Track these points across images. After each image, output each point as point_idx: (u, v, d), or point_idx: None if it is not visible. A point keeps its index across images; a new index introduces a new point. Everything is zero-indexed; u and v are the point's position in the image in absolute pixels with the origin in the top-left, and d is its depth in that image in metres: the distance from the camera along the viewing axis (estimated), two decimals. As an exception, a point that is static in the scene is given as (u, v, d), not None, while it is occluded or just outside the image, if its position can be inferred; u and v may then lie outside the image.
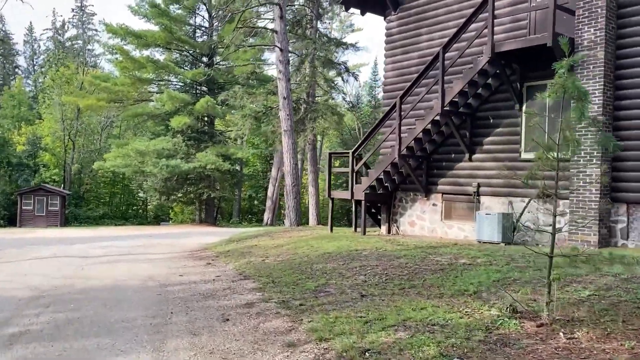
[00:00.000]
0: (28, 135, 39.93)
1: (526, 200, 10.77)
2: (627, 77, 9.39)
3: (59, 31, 59.06)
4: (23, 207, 32.75)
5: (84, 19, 56.80)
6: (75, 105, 37.13)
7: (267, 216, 32.80)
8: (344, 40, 22.01)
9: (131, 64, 30.41)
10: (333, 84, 23.06)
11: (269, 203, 32.89)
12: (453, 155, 12.30)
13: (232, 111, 31.85)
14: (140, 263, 11.50)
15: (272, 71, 32.77)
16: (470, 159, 11.90)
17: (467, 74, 10.87)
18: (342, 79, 23.11)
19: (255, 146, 39.34)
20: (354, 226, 14.58)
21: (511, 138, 11.18)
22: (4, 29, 61.12)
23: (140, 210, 43.60)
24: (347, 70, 22.39)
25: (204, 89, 33.11)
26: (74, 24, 58.38)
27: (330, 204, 14.32)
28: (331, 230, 14.33)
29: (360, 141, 13.68)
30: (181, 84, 33.57)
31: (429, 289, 6.42)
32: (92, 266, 11.03)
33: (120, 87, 30.88)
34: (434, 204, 12.71)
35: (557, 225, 10.36)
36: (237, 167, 36.04)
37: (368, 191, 13.17)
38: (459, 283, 6.44)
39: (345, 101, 24.65)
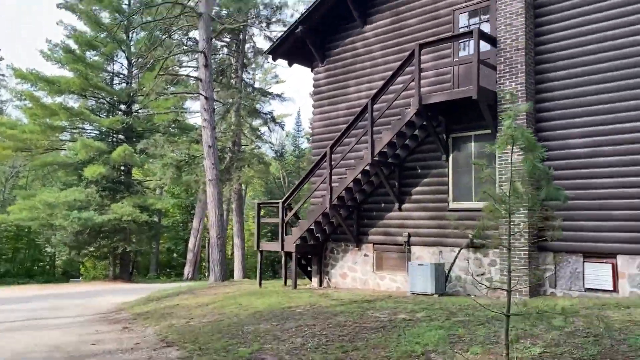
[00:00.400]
0: None
1: (456, 249, 10.80)
2: (547, 130, 9.80)
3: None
4: None
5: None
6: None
7: (187, 270, 31.28)
8: (270, 90, 22.09)
9: (42, 111, 28.60)
10: (259, 133, 22.78)
11: (190, 256, 31.46)
12: (383, 204, 12.23)
13: (151, 160, 30.66)
14: (46, 330, 10.25)
15: (195, 119, 32.16)
16: (400, 209, 11.87)
17: (396, 125, 10.96)
18: (269, 128, 22.95)
19: (175, 196, 37.94)
20: (283, 279, 14.04)
21: (439, 188, 11.29)
22: None
23: (48, 267, 40.26)
24: (273, 119, 22.24)
25: (122, 137, 31.69)
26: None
27: (258, 257, 13.72)
28: (260, 285, 13.68)
29: (290, 191, 13.35)
30: (97, 132, 31.96)
31: (373, 350, 6.02)
32: (-13, 336, 9.66)
33: (28, 135, 28.82)
34: (365, 255, 12.49)
35: (487, 275, 10.45)
36: (156, 219, 34.42)
37: (299, 242, 12.76)
38: (403, 343, 6.10)
39: (272, 150, 24.39)
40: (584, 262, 9.22)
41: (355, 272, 12.63)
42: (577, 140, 9.32)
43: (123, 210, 27.30)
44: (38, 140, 29.15)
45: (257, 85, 24.13)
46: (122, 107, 31.84)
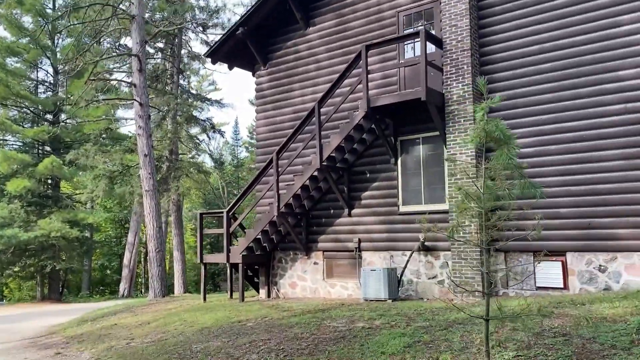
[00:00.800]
0: None
1: (407, 253, 10.65)
2: (494, 130, 9.84)
3: None
4: None
5: None
6: None
7: (123, 287, 29.71)
8: (209, 96, 21.29)
9: (-44, 121, 26.43)
10: (198, 141, 21.97)
11: (125, 272, 29.91)
12: (332, 211, 11.94)
13: (81, 173, 29.00)
14: (-36, 361, 9.17)
15: (128, 128, 30.71)
16: (349, 214, 11.62)
17: (344, 128, 10.72)
18: (208, 136, 22.17)
19: (108, 210, 36.12)
20: (229, 292, 13.46)
21: (389, 192, 11.14)
22: None
23: (-34, 290, 37.20)
24: (212, 127, 21.50)
25: (48, 149, 29.81)
26: None
27: (202, 270, 13.04)
28: (204, 299, 13.00)
29: (235, 200, 12.80)
30: (20, 143, 29.92)
31: (337, 363, 5.66)
32: None
33: (-59, 147, 26.56)
34: (315, 263, 12.14)
35: (439, 278, 10.36)
36: (87, 234, 32.59)
37: (245, 253, 12.23)
38: (368, 353, 5.78)
39: (212, 159, 23.55)
40: (534, 260, 9.29)
41: (305, 281, 12.25)
42: (524, 140, 9.39)
43: (51, 226, 25.60)
44: (-48, 153, 26.86)
45: (193, 92, 23.20)
46: (48, 116, 29.99)
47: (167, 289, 15.75)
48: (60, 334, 11.91)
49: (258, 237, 12.18)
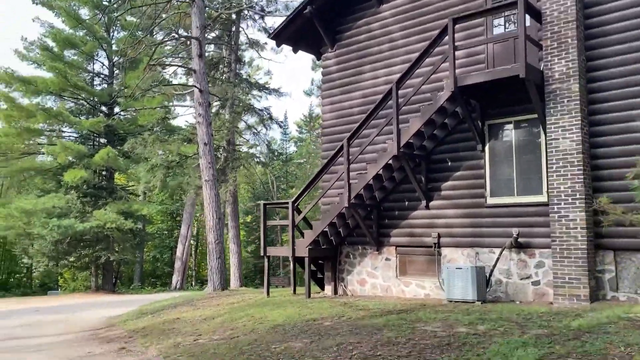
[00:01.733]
0: None
1: (495, 250, 9.60)
2: (602, 113, 8.68)
3: None
4: None
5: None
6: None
7: (175, 279, 29.63)
8: (267, 85, 20.56)
9: (17, 113, 26.79)
10: (256, 131, 21.39)
11: (178, 264, 29.81)
12: (407, 202, 10.99)
13: (133, 166, 29.00)
14: (26, 353, 8.75)
15: (183, 119, 30.49)
16: (427, 207, 10.64)
17: (426, 110, 9.75)
18: (265, 126, 21.56)
19: (160, 202, 36.22)
20: (292, 287, 12.73)
21: (474, 182, 10.10)
22: None
23: (25, 279, 38.15)
24: (270, 116, 20.88)
25: (103, 140, 29.99)
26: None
27: (265, 264, 12.34)
28: (267, 293, 12.31)
29: (301, 190, 12.04)
30: (76, 134, 30.21)
31: (456, 377, 4.76)
32: (-44, 363, 8.15)
33: (3, 139, 26.99)
34: (386, 259, 11.23)
35: (534, 278, 9.27)
36: (140, 226, 32.70)
37: (311, 247, 11.45)
38: (492, 366, 4.85)
39: (270, 150, 22.87)
40: (652, 261, 8.10)
41: (375, 278, 11.36)
42: (641, 123, 8.19)
43: (106, 217, 25.65)
44: (14, 144, 27.34)
45: (251, 80, 22.48)
46: (104, 108, 30.19)
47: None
48: (120, 326, 11.45)
49: (325, 230, 11.38)
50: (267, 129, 21.26)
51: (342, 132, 12.06)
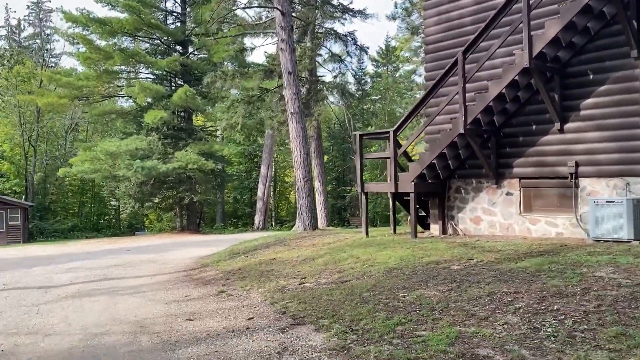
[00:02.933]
0: (-18, 143, 35.71)
1: (652, 180, 7.85)
2: None
3: (14, 30, 54.43)
4: (-22, 223, 28.75)
5: (41, 16, 52.27)
6: (34, 106, 33.26)
7: (258, 219, 29.49)
8: (351, 7, 18.72)
9: (96, 55, 26.72)
10: (340, 59, 19.77)
11: (259, 204, 29.57)
12: (534, 126, 9.31)
13: (210, 106, 28.42)
14: (122, 295, 8.21)
15: (259, 54, 29.27)
16: (561, 130, 8.93)
17: (568, 10, 7.88)
18: (348, 54, 19.88)
19: (237, 144, 35.94)
20: (392, 227, 11.57)
21: (625, 98, 8.24)
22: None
23: (113, 220, 39.80)
24: (355, 42, 19.18)
25: (179, 81, 29.58)
26: (30, 21, 53.81)
27: (363, 200, 11.17)
28: (367, 233, 11.21)
29: (403, 118, 10.60)
30: (153, 76, 29.96)
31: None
32: (52, 305, 7.69)
33: (84, 82, 27.14)
34: (507, 193, 9.71)
35: None
36: (220, 167, 32.62)
37: (416, 181, 10.11)
38: None
39: (356, 79, 21.19)
40: None
41: (492, 216, 9.92)
42: None
43: (187, 158, 25.48)
44: (94, 86, 27.46)
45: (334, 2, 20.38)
46: (178, 47, 29.58)
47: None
48: (213, 267, 10.82)
49: (432, 162, 9.98)
50: (351, 57, 19.61)
51: (450, 48, 10.40)
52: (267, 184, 29.21)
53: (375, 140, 19.54)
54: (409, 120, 10.60)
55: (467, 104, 9.11)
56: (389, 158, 10.70)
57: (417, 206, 11.21)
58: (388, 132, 10.63)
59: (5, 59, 38.64)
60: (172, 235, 27.67)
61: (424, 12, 11.15)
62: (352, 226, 31.21)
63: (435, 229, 10.84)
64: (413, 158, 12.75)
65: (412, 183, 10.05)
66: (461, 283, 5.70)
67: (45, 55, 45.62)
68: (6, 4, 69.94)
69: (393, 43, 43.64)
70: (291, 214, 41.81)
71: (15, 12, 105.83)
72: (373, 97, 43.89)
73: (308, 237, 12.59)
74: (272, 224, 36.18)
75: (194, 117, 31.38)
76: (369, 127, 42.54)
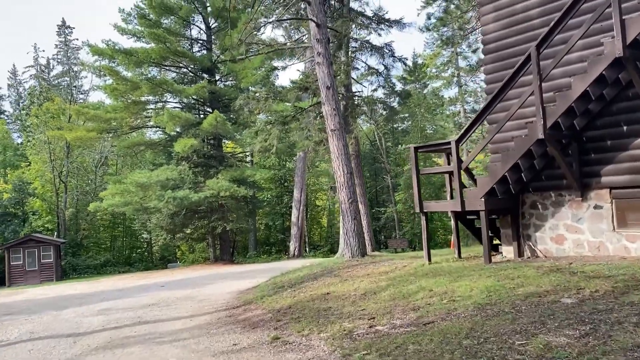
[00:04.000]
0: (14, 181, 35.60)
1: None
2: None
3: (43, 69, 55.35)
4: (11, 263, 28.29)
5: (69, 54, 53.03)
6: (63, 142, 33.12)
7: (293, 246, 28.33)
8: (386, 17, 17.69)
9: (123, 86, 26.32)
10: (378, 73, 18.67)
11: (294, 230, 28.45)
12: (625, 127, 7.98)
13: (238, 133, 27.66)
14: (159, 344, 7.10)
15: (288, 77, 28.50)
16: (661, 130, 7.59)
17: (671, -15, 6.64)
18: (385, 67, 18.79)
19: (268, 169, 35.04)
20: (456, 251, 10.28)
21: None
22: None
23: (146, 253, 39.14)
24: (392, 53, 18.09)
25: (208, 109, 28.98)
26: (59, 60, 54.67)
27: (423, 221, 9.89)
28: (429, 259, 9.92)
29: (466, 127, 9.39)
30: (181, 105, 29.43)
31: None
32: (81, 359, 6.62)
33: (112, 115, 26.72)
34: (595, 206, 8.35)
35: None
36: (251, 193, 31.69)
37: (486, 197, 8.84)
38: None
39: (396, 92, 20.08)
40: None
41: (578, 233, 8.55)
42: None
43: (219, 186, 24.64)
44: (122, 118, 27.01)
45: (369, 13, 19.30)
46: (205, 75, 29.04)
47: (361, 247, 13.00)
48: (258, 304, 9.66)
49: (504, 175, 8.71)
50: (387, 69, 18.49)
51: (514, 46, 9.23)
52: (300, 208, 28.13)
53: (425, 152, 18.25)
54: (473, 129, 9.36)
55: (544, 105, 7.86)
56: (450, 172, 9.48)
57: (478, 226, 9.94)
58: (448, 144, 9.43)
59: (35, 96, 38.87)
60: (205, 266, 26.68)
61: (481, 9, 10.01)
62: (391, 249, 29.83)
63: (508, 251, 9.50)
64: (473, 172, 11.47)
65: (482, 200, 8.78)
66: (595, 325, 4.40)
67: (73, 91, 45.95)
68: (34, 43, 71.58)
69: (420, 60, 42.48)
70: (324, 239, 40.51)
71: (43, 51, 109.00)
72: (402, 115, 42.65)
73: (359, 266, 11.34)
74: (306, 250, 34.94)
75: (223, 144, 30.72)
76: (400, 146, 41.22)
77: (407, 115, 41.80)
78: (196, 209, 26.72)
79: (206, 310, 10.13)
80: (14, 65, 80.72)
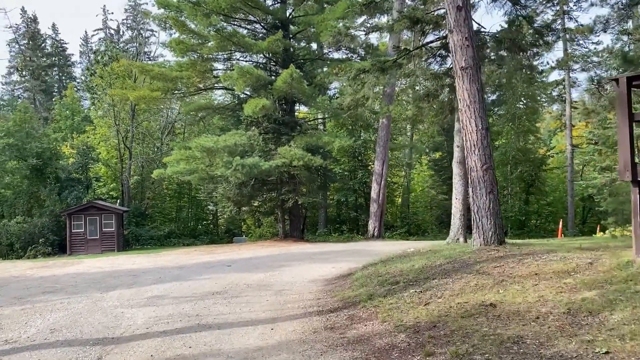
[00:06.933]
0: (79, 146, 34.31)
1: None
2: None
3: (113, 34, 54.46)
4: (73, 230, 26.72)
5: (138, 19, 51.65)
6: (128, 105, 31.26)
7: (372, 225, 25.07)
8: None
9: (189, 39, 23.70)
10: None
11: (373, 207, 25.14)
12: None
13: (314, 96, 24.57)
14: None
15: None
16: None
17: None
18: None
19: (344, 138, 31.78)
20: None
21: None
22: (57, 38, 57.22)
23: (211, 226, 37.15)
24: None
25: (280, 70, 25.98)
26: (128, 25, 53.51)
27: (635, 196, 6.34)
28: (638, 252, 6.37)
29: None
30: (252, 62, 26.57)
31: None
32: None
33: (178, 73, 24.21)
34: None
35: None
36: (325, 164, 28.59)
37: None
38: None
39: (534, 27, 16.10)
40: None
41: None
42: None
43: (292, 154, 21.66)
44: (188, 77, 24.45)
45: None
46: (279, 30, 25.97)
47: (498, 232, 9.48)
48: (369, 309, 6.52)
49: None
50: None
51: None
52: (382, 183, 24.74)
53: None
54: None
55: None
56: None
57: None
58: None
59: (101, 55, 37.39)
60: (274, 243, 23.98)
61: None
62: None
63: None
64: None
65: None
66: None
67: (142, 58, 44.37)
68: (104, 5, 71.12)
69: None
70: (399, 219, 36.93)
71: (112, 13, 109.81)
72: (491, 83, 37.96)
73: (506, 259, 7.88)
74: (388, 230, 31.51)
75: (295, 110, 27.73)
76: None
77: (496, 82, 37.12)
78: (265, 179, 23.95)
79: (290, 309, 7.14)
80: (85, 31, 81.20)
